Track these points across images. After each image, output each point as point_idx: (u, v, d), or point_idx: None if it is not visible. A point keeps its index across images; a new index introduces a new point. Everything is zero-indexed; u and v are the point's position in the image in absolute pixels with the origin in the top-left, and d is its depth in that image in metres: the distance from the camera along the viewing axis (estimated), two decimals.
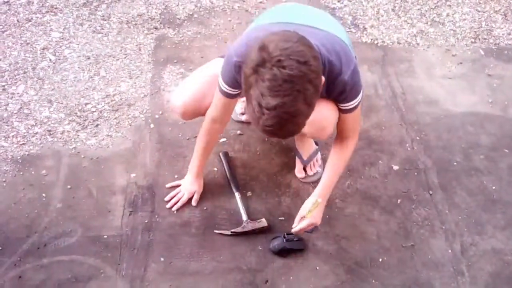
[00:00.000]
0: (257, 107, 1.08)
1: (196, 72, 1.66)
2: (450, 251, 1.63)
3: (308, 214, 1.48)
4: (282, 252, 1.58)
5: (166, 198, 1.71)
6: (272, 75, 1.05)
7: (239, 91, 1.41)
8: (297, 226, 1.50)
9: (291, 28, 1.18)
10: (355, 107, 1.40)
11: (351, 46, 1.43)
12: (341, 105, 1.39)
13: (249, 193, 1.76)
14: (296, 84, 1.06)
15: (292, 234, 1.56)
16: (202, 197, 1.73)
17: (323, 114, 1.39)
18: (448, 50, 2.36)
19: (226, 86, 1.40)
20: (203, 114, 1.64)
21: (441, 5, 2.60)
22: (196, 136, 1.91)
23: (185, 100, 1.59)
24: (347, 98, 1.36)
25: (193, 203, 1.70)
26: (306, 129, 1.43)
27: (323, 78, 1.17)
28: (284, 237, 1.57)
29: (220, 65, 1.56)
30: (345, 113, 1.42)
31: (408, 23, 2.49)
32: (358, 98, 1.38)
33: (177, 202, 1.70)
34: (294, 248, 1.59)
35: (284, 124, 1.10)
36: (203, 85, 1.58)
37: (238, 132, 1.95)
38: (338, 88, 1.32)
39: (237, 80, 1.35)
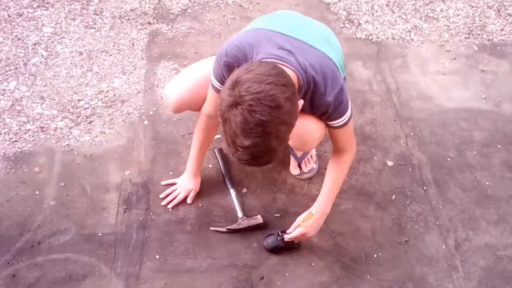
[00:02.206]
0: (231, 143, 1.12)
1: (191, 67, 1.66)
2: (444, 246, 1.65)
3: (302, 223, 1.48)
4: (276, 250, 1.58)
5: (162, 195, 1.71)
6: (244, 119, 1.07)
7: None
8: (291, 233, 1.51)
9: (285, 42, 1.22)
10: (344, 124, 1.39)
11: (344, 62, 1.43)
12: (328, 122, 1.40)
13: (244, 190, 1.75)
14: (268, 127, 1.08)
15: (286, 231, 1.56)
16: (197, 194, 1.73)
17: (306, 129, 1.39)
18: (442, 46, 2.36)
19: (217, 83, 1.41)
20: (196, 110, 1.64)
21: (435, 0, 2.60)
22: (190, 133, 1.91)
23: (177, 95, 1.58)
24: (331, 117, 1.37)
25: (189, 200, 1.70)
26: (290, 142, 1.43)
27: (301, 102, 1.18)
28: (278, 234, 1.57)
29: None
30: (334, 129, 1.42)
31: (402, 19, 2.49)
32: (344, 116, 1.37)
33: (173, 199, 1.69)
34: (287, 245, 1.59)
35: (257, 159, 1.14)
36: (196, 80, 1.58)
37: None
38: (322, 108, 1.34)
39: (225, 78, 1.35)
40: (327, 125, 1.41)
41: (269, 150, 1.13)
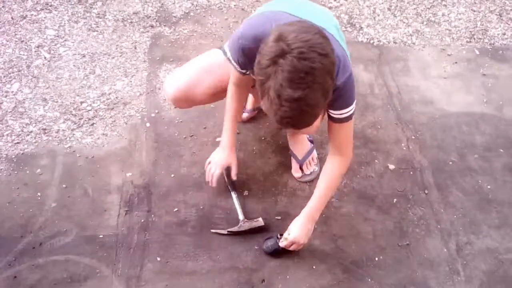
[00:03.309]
0: (275, 99, 1.06)
1: (192, 60, 1.66)
2: (445, 250, 1.64)
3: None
4: (276, 253, 1.58)
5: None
6: (293, 67, 1.02)
7: (246, 72, 1.42)
8: (281, 243, 1.53)
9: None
10: (346, 119, 1.36)
11: (349, 56, 1.42)
12: (330, 111, 1.36)
13: (245, 193, 1.75)
14: (317, 76, 1.04)
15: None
16: (199, 196, 1.73)
17: None
18: (443, 50, 2.37)
19: (235, 65, 1.41)
20: (196, 103, 1.64)
21: (436, 4, 2.61)
22: (192, 135, 1.92)
23: (177, 86, 1.58)
24: (334, 105, 1.33)
25: (234, 177, 1.65)
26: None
27: None
28: (278, 237, 1.57)
29: (216, 55, 1.57)
30: (334, 122, 1.38)
31: (404, 23, 2.49)
32: (348, 109, 1.34)
33: (212, 179, 1.64)
34: (287, 248, 1.59)
35: (303, 116, 1.08)
36: (197, 72, 1.58)
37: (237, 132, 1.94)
38: None
39: (240, 61, 1.36)
40: (329, 117, 1.38)
41: (315, 106, 1.08)
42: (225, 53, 1.47)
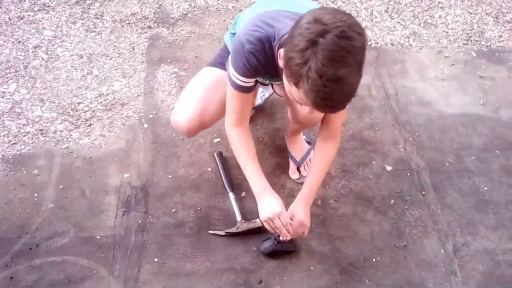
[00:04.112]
0: (317, 79, 1.03)
1: (190, 85, 1.59)
2: (442, 251, 1.65)
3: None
4: (273, 254, 1.58)
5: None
6: (336, 45, 1.01)
7: (254, 82, 1.38)
8: (292, 226, 1.46)
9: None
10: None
11: None
12: None
13: (243, 194, 1.75)
14: (357, 55, 1.04)
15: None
16: (196, 197, 1.73)
17: None
18: (440, 52, 2.38)
19: (242, 78, 1.34)
20: (208, 126, 1.61)
21: (433, 7, 2.62)
22: (190, 136, 1.91)
23: (189, 115, 1.53)
24: None
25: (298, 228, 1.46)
26: (299, 108, 1.47)
27: None
28: (275, 238, 1.56)
29: (210, 72, 1.55)
30: None
31: (401, 25, 2.50)
32: None
33: (288, 233, 1.44)
34: (285, 249, 1.59)
35: (344, 95, 1.07)
36: (201, 95, 1.53)
37: None
38: None
39: (252, 68, 1.31)
40: None
41: (355, 84, 1.07)
42: (229, 77, 1.38)
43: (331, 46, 1.01)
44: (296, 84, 1.09)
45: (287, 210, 1.46)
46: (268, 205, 1.41)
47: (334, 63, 1.02)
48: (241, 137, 1.45)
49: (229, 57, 1.37)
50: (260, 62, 1.29)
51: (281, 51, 1.16)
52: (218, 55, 1.61)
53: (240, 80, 1.35)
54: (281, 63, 1.17)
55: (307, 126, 1.71)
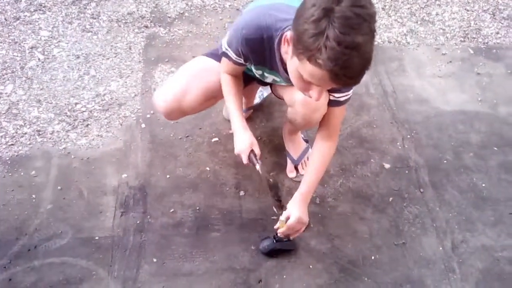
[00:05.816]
0: (336, 47, 1.01)
1: (178, 71, 1.64)
2: (441, 248, 1.65)
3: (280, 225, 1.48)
4: (272, 253, 1.58)
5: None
6: (352, 12, 1.00)
7: (243, 62, 1.42)
8: (288, 223, 1.46)
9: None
10: (344, 101, 1.42)
11: None
12: (333, 94, 1.39)
13: (241, 193, 1.75)
14: (371, 23, 1.04)
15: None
16: (194, 197, 1.73)
17: (314, 107, 1.41)
18: (437, 49, 2.38)
19: (233, 54, 1.40)
20: (188, 113, 1.63)
21: (430, 4, 2.62)
22: (188, 136, 1.92)
23: (166, 98, 1.57)
24: (340, 89, 1.37)
25: (258, 160, 1.50)
26: (299, 108, 1.45)
27: None
28: (274, 237, 1.56)
29: (201, 61, 1.58)
30: (333, 105, 1.42)
31: (398, 22, 2.50)
32: (349, 92, 1.39)
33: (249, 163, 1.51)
34: (284, 248, 1.58)
35: (361, 64, 1.05)
36: (183, 80, 1.57)
37: (230, 131, 1.93)
38: None
39: (240, 50, 1.36)
40: (329, 102, 1.42)
41: (371, 53, 1.05)
42: (220, 46, 1.45)
43: (348, 13, 1.01)
44: (310, 58, 1.06)
45: (285, 207, 1.50)
46: (238, 141, 1.50)
47: (352, 30, 1.01)
48: (230, 79, 1.51)
49: (228, 31, 1.40)
50: (253, 49, 1.30)
51: (288, 32, 1.16)
52: (216, 48, 1.62)
53: (232, 55, 1.40)
54: (284, 48, 1.19)
55: (306, 127, 1.71)
